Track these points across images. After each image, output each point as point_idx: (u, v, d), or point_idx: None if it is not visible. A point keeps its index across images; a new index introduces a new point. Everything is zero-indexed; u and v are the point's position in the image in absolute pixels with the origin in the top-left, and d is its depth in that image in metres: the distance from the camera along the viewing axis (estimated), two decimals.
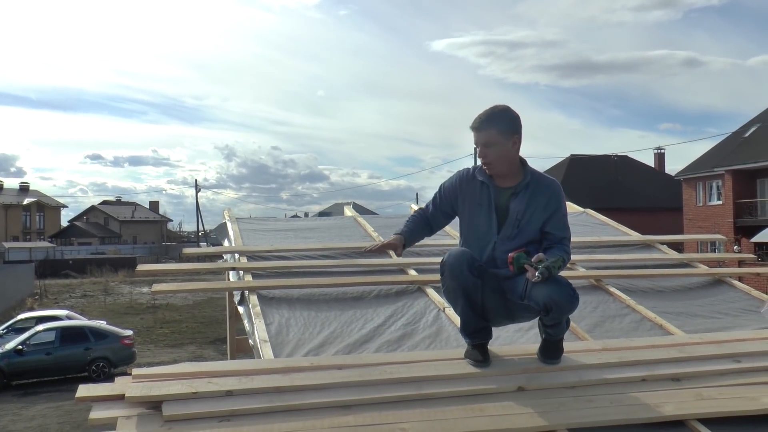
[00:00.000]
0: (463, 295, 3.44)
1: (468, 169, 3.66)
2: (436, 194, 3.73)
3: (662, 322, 4.60)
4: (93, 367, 21.03)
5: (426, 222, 3.77)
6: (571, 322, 4.22)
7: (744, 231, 36.75)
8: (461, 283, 3.41)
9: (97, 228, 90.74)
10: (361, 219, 7.00)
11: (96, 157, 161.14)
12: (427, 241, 5.60)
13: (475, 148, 3.59)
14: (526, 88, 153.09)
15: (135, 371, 3.36)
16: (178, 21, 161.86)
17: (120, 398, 3.08)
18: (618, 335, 4.38)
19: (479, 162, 3.59)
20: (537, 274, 3.21)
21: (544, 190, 3.51)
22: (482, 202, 3.52)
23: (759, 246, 35.02)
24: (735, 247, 35.11)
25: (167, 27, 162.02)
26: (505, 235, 3.49)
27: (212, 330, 27.57)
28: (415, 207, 8.54)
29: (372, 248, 3.76)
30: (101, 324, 23.56)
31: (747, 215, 37.77)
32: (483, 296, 3.46)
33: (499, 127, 3.44)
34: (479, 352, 3.48)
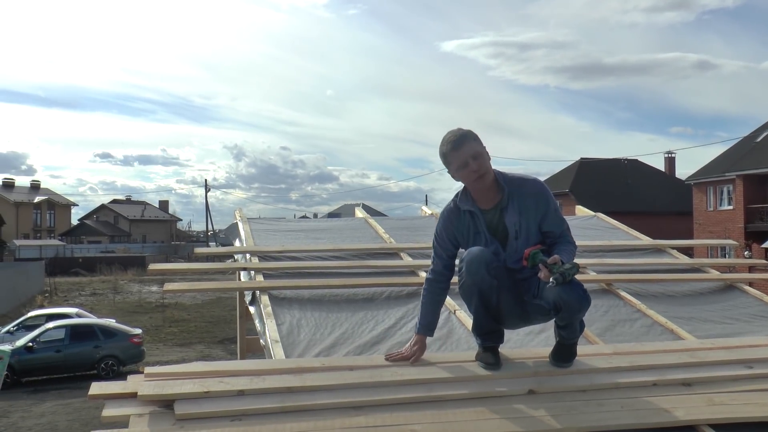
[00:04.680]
0: (478, 294, 3.44)
1: (448, 205, 3.64)
2: (435, 247, 3.66)
3: (673, 327, 4.59)
4: (102, 365, 21.14)
5: (440, 287, 3.68)
6: None
7: (755, 236, 36.58)
8: (477, 282, 3.42)
9: (107, 226, 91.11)
10: (372, 221, 7.01)
11: (105, 156, 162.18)
12: None
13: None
14: (536, 90, 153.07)
15: (147, 370, 3.38)
16: (187, 20, 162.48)
17: (132, 396, 3.10)
18: (629, 339, 4.38)
19: (468, 183, 3.51)
20: (552, 279, 3.21)
21: (529, 193, 3.51)
22: (479, 229, 3.51)
23: None
24: (746, 253, 34.94)
25: (176, 26, 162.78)
26: (512, 250, 3.50)
27: (220, 329, 27.64)
28: (425, 209, 8.54)
29: (397, 357, 3.59)
30: (110, 322, 23.66)
31: (758, 220, 37.58)
32: (498, 298, 3.47)
33: (474, 137, 3.47)
34: (490, 355, 3.48)
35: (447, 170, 3.56)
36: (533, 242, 3.46)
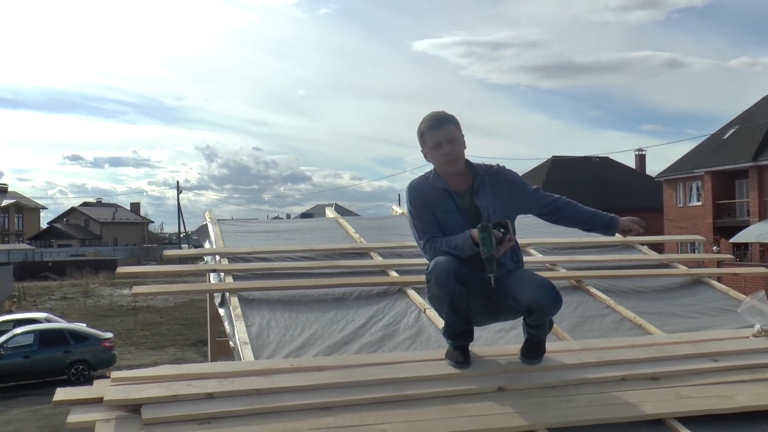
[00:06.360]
0: (449, 303, 3.42)
1: (417, 180, 3.58)
2: (415, 224, 3.54)
3: (642, 322, 4.63)
4: (72, 371, 20.86)
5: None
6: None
7: (723, 231, 37.15)
8: (447, 292, 3.38)
9: (77, 230, 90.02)
10: (342, 220, 6.99)
11: (75, 158, 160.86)
12: (407, 242, 5.63)
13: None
14: (508, 89, 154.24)
15: (114, 374, 3.34)
16: (156, 20, 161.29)
17: (98, 401, 3.06)
18: (598, 335, 4.41)
19: (438, 164, 3.52)
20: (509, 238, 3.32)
21: (500, 178, 3.56)
22: (450, 208, 3.48)
23: (737, 246, 35.39)
24: (714, 248, 35.45)
25: (145, 26, 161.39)
26: None
27: (193, 332, 27.44)
28: (396, 208, 8.54)
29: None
30: (81, 326, 23.36)
31: (726, 216, 38.18)
32: (468, 302, 3.45)
33: (455, 122, 3.51)
34: (460, 353, 3.48)
35: (421, 149, 3.57)
36: None
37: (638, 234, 3.61)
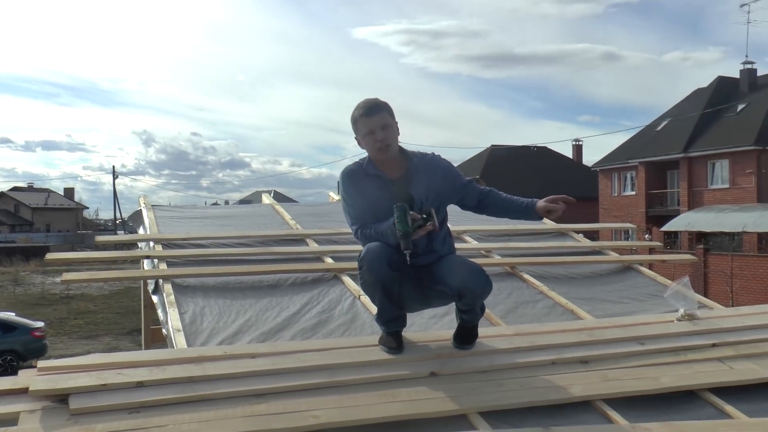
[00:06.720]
0: (381, 289, 3.43)
1: (351, 167, 3.60)
2: (350, 212, 3.57)
3: (573, 308, 4.74)
4: (0, 361, 20.22)
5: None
6: (486, 309, 4.31)
7: (655, 220, 38.22)
8: (379, 278, 3.39)
9: (7, 215, 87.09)
10: (278, 207, 6.94)
11: (5, 141, 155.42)
12: (343, 229, 5.63)
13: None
14: (448, 78, 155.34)
15: (40, 363, 3.25)
16: (93, 0, 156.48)
17: (23, 392, 2.97)
18: (531, 320, 4.49)
19: (371, 150, 3.52)
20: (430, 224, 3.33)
21: (434, 167, 3.59)
22: (384, 195, 3.48)
23: (668, 234, 36.48)
24: (646, 236, 36.45)
25: (80, 6, 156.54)
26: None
27: (129, 320, 26.88)
28: (333, 194, 8.52)
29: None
30: (9, 315, 22.56)
31: (658, 205, 39.32)
32: (400, 287, 3.46)
33: (388, 110, 3.52)
34: (393, 339, 3.51)
35: (354, 136, 3.57)
36: (440, 215, 3.49)
37: (560, 212, 3.57)
